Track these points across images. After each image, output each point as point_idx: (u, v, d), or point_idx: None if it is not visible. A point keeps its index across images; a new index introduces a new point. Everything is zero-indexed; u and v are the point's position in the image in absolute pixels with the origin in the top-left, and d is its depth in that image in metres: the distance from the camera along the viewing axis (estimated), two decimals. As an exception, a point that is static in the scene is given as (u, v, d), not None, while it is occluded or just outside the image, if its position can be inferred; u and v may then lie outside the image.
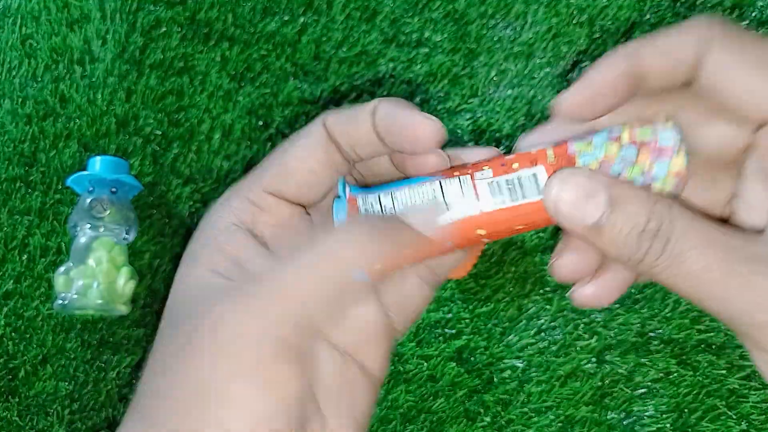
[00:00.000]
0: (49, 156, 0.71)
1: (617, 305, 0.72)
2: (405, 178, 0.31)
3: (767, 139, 0.26)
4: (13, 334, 0.66)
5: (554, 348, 0.69)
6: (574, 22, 0.79)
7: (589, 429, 0.68)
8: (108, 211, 0.65)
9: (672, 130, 0.27)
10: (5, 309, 0.67)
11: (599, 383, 0.69)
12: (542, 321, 0.70)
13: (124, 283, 0.65)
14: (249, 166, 0.72)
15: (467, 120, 0.75)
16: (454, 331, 0.69)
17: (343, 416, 0.26)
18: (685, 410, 0.68)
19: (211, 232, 0.31)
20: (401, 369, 0.67)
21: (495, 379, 0.69)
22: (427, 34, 0.77)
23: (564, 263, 0.30)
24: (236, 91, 0.75)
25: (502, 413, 0.68)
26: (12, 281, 0.67)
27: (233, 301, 0.26)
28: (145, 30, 0.75)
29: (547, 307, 0.70)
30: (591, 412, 0.68)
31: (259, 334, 0.24)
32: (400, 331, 0.31)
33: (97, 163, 0.66)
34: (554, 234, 0.72)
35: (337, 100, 0.75)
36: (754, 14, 0.78)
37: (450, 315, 0.68)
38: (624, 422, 0.68)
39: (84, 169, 0.69)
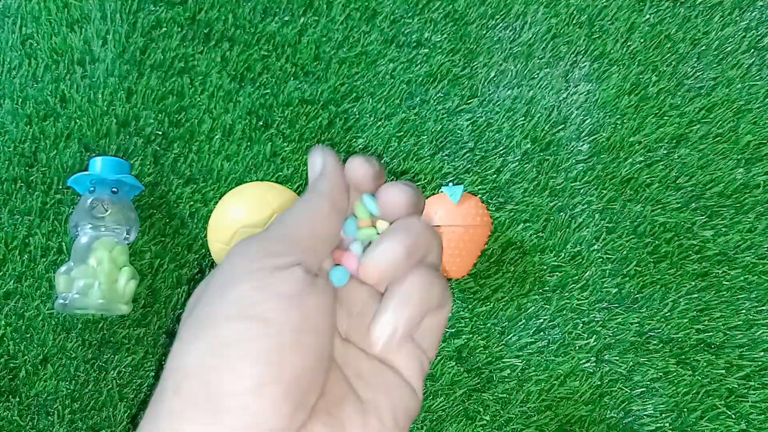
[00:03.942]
0: (49, 156, 0.71)
1: (616, 305, 0.72)
2: None
3: None
4: (13, 333, 0.67)
5: (553, 347, 0.69)
6: (573, 22, 0.79)
7: (588, 428, 0.68)
8: (109, 211, 0.65)
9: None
10: (6, 309, 0.67)
11: (598, 382, 0.69)
12: (541, 320, 0.70)
13: (125, 282, 0.65)
14: (250, 165, 0.72)
15: (467, 120, 0.75)
16: (453, 330, 0.70)
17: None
18: (684, 409, 0.69)
19: None
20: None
21: (494, 378, 0.69)
22: (426, 35, 0.77)
23: None
24: (237, 92, 0.75)
25: (502, 412, 0.68)
26: (13, 281, 0.67)
27: None
28: (146, 30, 0.76)
29: (546, 306, 0.70)
30: (590, 412, 0.68)
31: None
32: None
33: (98, 164, 0.66)
34: (553, 233, 0.72)
35: (337, 100, 0.75)
36: (754, 14, 0.78)
37: (449, 314, 0.68)
38: (623, 421, 0.68)
39: (85, 169, 0.69)
